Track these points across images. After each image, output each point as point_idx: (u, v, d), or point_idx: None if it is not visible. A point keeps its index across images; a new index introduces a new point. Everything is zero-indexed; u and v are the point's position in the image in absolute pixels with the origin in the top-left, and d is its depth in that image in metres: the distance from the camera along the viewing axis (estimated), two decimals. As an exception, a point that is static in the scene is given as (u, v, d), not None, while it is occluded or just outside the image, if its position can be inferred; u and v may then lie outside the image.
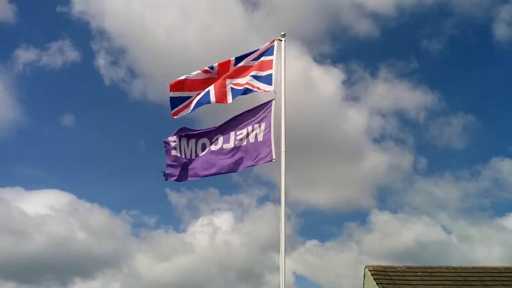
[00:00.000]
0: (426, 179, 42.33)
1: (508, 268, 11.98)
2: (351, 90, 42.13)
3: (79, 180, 48.36)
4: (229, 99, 8.05)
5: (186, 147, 8.08)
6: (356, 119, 40.41)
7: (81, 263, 39.34)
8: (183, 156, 8.07)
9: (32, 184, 50.75)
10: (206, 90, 8.14)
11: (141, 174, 49.23)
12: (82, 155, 48.22)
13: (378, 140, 41.86)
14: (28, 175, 46.80)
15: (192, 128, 8.40)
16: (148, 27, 40.63)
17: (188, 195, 43.48)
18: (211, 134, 8.14)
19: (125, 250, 42.69)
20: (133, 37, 42.34)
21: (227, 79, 8.09)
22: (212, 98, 8.04)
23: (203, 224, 40.94)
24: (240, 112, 8.15)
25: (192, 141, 8.07)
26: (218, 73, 8.28)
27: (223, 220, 41.64)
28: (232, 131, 7.92)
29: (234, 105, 8.32)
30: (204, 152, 8.04)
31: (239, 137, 7.76)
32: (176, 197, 44.38)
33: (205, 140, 8.17)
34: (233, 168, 7.78)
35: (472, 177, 41.25)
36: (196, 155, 8.03)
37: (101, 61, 43.58)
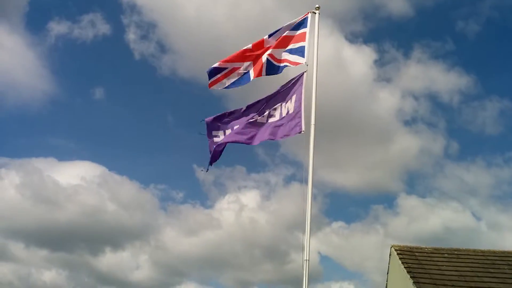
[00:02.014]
0: (457, 164, 41.43)
1: (538, 253, 11.75)
2: (383, 71, 41.21)
3: (110, 153, 49.45)
4: (263, 73, 8.11)
5: (227, 131, 8.22)
6: (387, 101, 39.60)
7: (111, 233, 40.53)
8: (222, 138, 8.22)
9: (64, 155, 52.24)
10: (245, 71, 8.21)
11: (169, 149, 49.88)
12: (112, 129, 49.15)
13: (410, 122, 41.00)
14: (60, 146, 48.07)
15: (228, 112, 8.47)
16: (179, 2, 40.59)
17: (215, 172, 43.94)
18: (247, 112, 8.23)
19: (153, 223, 43.67)
20: (163, 11, 42.43)
21: (263, 55, 8.13)
22: (251, 76, 8.14)
23: (229, 201, 41.43)
24: (273, 90, 8.22)
25: (237, 127, 8.17)
26: (253, 46, 8.31)
27: (250, 197, 42.03)
28: (267, 106, 7.99)
29: (267, 78, 8.38)
30: (238, 125, 8.13)
31: (272, 112, 7.82)
32: (203, 174, 44.79)
33: (242, 119, 8.25)
34: (262, 137, 7.85)
35: (505, 163, 40.12)
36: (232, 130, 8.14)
37: (131, 35, 43.89)
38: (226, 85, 8.23)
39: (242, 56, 8.18)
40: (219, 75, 8.25)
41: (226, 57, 8.20)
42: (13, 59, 45.03)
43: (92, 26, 44.90)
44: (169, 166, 51.20)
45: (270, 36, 8.18)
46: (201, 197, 51.87)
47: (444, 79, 42.67)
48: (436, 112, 44.14)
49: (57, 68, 48.53)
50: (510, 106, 42.15)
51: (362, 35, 45.05)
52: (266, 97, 7.97)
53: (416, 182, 44.22)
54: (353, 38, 44.22)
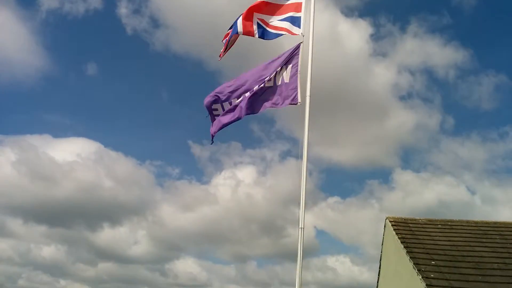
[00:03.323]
0: (452, 139, 41.67)
1: (529, 224, 11.99)
2: (379, 45, 40.91)
3: (105, 129, 49.45)
4: (256, 34, 8.11)
5: (227, 105, 8.25)
6: (383, 76, 39.49)
7: (109, 209, 40.87)
8: (223, 112, 8.26)
9: (59, 131, 52.20)
10: (235, 21, 8.19)
11: (164, 125, 49.89)
12: (107, 105, 49.02)
13: (405, 98, 40.96)
14: (55, 123, 47.98)
15: (226, 83, 8.51)
16: None
17: (211, 148, 44.22)
18: (246, 84, 8.23)
19: (150, 199, 44.07)
20: None
21: (254, 12, 8.09)
22: (240, 28, 8.14)
23: (226, 177, 41.71)
24: (269, 60, 8.22)
25: (234, 99, 8.20)
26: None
27: (246, 173, 42.34)
28: (264, 76, 7.99)
29: (262, 47, 8.38)
30: (239, 100, 8.16)
31: (267, 79, 7.84)
32: (199, 150, 45.07)
33: (241, 91, 8.26)
34: (257, 108, 7.90)
35: (500, 138, 40.36)
36: (233, 104, 8.17)
37: (123, 10, 43.22)
38: (224, 49, 8.32)
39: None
40: (224, 45, 8.37)
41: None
42: (5, 34, 44.60)
43: (83, 1, 44.32)
44: (165, 142, 51.36)
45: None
46: (197, 173, 52.21)
47: (441, 54, 42.54)
48: (432, 87, 44.15)
49: (49, 44, 48.10)
50: (506, 81, 42.20)
51: (358, 9, 44.79)
52: (262, 66, 7.96)
53: (411, 157, 44.56)
54: (348, 12, 43.86)
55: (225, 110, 8.11)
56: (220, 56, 8.41)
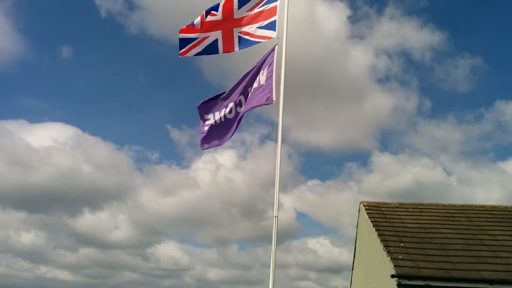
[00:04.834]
0: (429, 122, 42.55)
1: (494, 206, 12.78)
2: (356, 28, 41.17)
3: (82, 113, 48.92)
4: (236, 48, 8.51)
5: (220, 115, 8.62)
6: (360, 59, 39.86)
7: (88, 195, 40.80)
8: (217, 122, 8.64)
9: (35, 116, 51.45)
10: (214, 39, 8.54)
11: (142, 110, 49.60)
12: (83, 89, 48.43)
13: (383, 80, 41.54)
14: (31, 107, 47.30)
15: (216, 95, 8.85)
16: None
17: (190, 132, 44.31)
18: (234, 96, 8.61)
19: (130, 183, 44.12)
20: None
21: (234, 29, 8.46)
22: (220, 48, 8.51)
23: (206, 161, 41.97)
24: (250, 68, 8.59)
25: (224, 109, 8.57)
26: (222, 15, 8.55)
27: (226, 157, 42.67)
28: (248, 86, 8.39)
29: (241, 54, 8.74)
30: (232, 114, 8.54)
31: (249, 88, 8.24)
32: (178, 134, 45.12)
33: (231, 104, 8.63)
34: (240, 114, 8.33)
35: (475, 120, 41.40)
36: (225, 118, 8.56)
37: None
38: (196, 52, 8.65)
39: (212, 26, 8.53)
40: (190, 45, 8.64)
41: (196, 25, 8.47)
42: (-24, 17, 43.44)
43: None
44: (143, 126, 51.15)
45: (239, 0, 8.49)
46: (177, 157, 52.32)
47: (417, 36, 43.07)
48: (408, 70, 44.80)
49: (22, 27, 47.16)
50: (481, 63, 43.05)
51: (334, -9, 44.67)
52: (245, 75, 8.38)
53: (389, 139, 45.41)
54: (325, -6, 43.90)
55: (217, 123, 8.48)
56: (181, 54, 8.70)
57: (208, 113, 8.91)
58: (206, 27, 8.59)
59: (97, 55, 49.35)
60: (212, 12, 8.55)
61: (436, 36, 43.52)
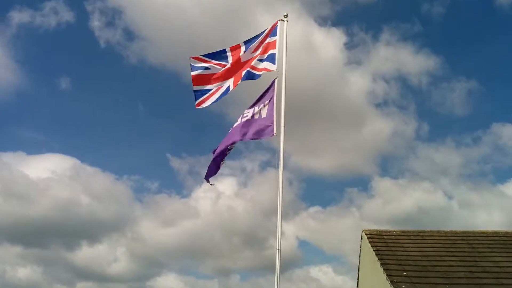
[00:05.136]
0: (428, 145, 42.71)
1: (495, 232, 12.78)
2: (353, 54, 41.76)
3: (81, 144, 48.79)
4: (241, 79, 8.75)
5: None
6: (358, 84, 40.26)
7: (87, 227, 40.11)
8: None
9: (33, 148, 51.30)
10: (227, 86, 8.77)
11: (142, 139, 49.64)
12: (82, 119, 48.42)
13: (381, 105, 41.88)
14: (29, 139, 47.14)
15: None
16: None
17: (190, 160, 44.15)
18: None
19: (129, 214, 43.50)
20: None
21: (242, 71, 8.72)
22: (231, 87, 8.72)
23: (206, 190, 41.62)
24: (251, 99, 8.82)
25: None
26: (232, 62, 8.80)
27: (226, 185, 42.31)
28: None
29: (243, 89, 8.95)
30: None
31: (245, 114, 8.42)
32: (178, 163, 44.99)
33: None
34: (238, 138, 8.45)
35: (473, 143, 41.57)
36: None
37: (96, 23, 42.85)
38: (211, 103, 8.84)
39: (224, 75, 8.76)
40: (205, 96, 8.83)
41: (209, 74, 8.69)
42: (-24, 49, 43.73)
43: (55, 14, 43.97)
44: (142, 156, 50.96)
45: (246, 43, 8.75)
46: (177, 186, 51.91)
47: (413, 61, 43.63)
48: (406, 95, 45.24)
49: (20, 58, 47.42)
50: (477, 86, 43.55)
51: (331, 18, 45.50)
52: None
53: (388, 164, 45.41)
54: (322, 21, 44.62)
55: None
56: (197, 105, 8.87)
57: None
58: (220, 77, 8.81)
59: (96, 85, 49.72)
60: (224, 63, 8.78)
61: (432, 60, 44.18)
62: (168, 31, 39.31)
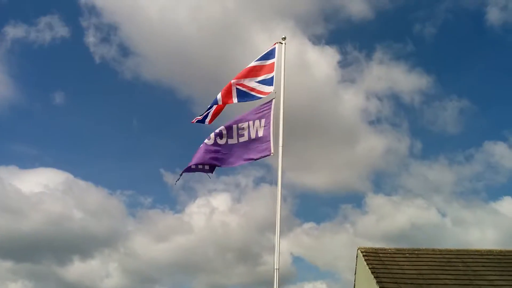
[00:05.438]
0: (421, 163, 43.04)
1: (489, 250, 12.90)
2: (346, 72, 42.30)
3: (74, 159, 48.59)
4: (235, 100, 8.85)
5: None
6: (351, 102, 40.68)
7: (79, 242, 39.69)
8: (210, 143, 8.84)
9: (26, 162, 51.04)
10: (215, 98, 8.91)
11: (135, 154, 49.60)
12: (76, 134, 48.39)
13: (374, 123, 42.28)
14: (22, 153, 46.93)
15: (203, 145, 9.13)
16: (141, 4, 40.32)
17: (184, 176, 43.84)
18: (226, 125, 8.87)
19: (122, 229, 43.13)
20: (124, 13, 41.95)
21: (232, 81, 8.84)
22: (219, 100, 8.85)
23: (200, 205, 41.55)
24: (242, 114, 8.93)
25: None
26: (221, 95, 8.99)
27: (220, 200, 42.20)
28: (235, 124, 8.68)
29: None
30: (212, 144, 8.73)
31: (241, 132, 8.54)
32: (172, 178, 44.72)
33: (222, 129, 8.84)
34: (234, 162, 8.59)
35: (466, 161, 41.94)
36: (216, 142, 8.73)
37: (91, 38, 43.10)
38: (202, 117, 9.01)
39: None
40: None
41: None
42: (-31, 64, 43.75)
43: (50, 29, 44.22)
44: (136, 171, 50.87)
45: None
46: (170, 201, 51.77)
47: (406, 80, 44.26)
48: (399, 113, 45.74)
49: (15, 73, 47.42)
50: (468, 105, 44.16)
51: (324, 37, 46.06)
52: (235, 120, 8.70)
53: (382, 181, 45.63)
54: (315, 40, 45.16)
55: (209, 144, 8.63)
56: (193, 121, 9.07)
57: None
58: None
59: (90, 101, 49.78)
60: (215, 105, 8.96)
61: (424, 79, 44.83)
62: (163, 47, 39.68)
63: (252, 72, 8.83)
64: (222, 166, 8.64)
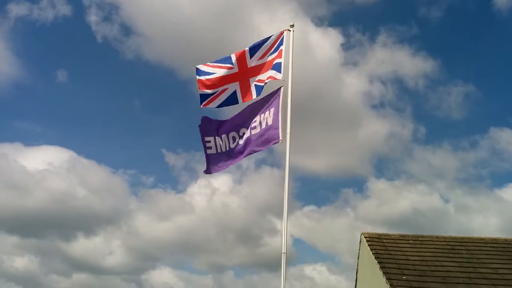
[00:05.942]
0: (424, 148, 42.78)
1: (494, 239, 12.97)
2: (349, 55, 41.73)
3: (77, 137, 49.01)
4: (254, 95, 8.93)
5: (220, 142, 9.02)
6: (354, 85, 40.23)
7: (82, 219, 40.29)
8: (218, 151, 9.00)
9: (31, 140, 51.53)
10: (233, 90, 8.95)
11: (138, 134, 49.80)
12: (79, 112, 48.61)
13: (377, 107, 41.91)
14: (26, 131, 47.35)
15: (214, 119, 9.25)
16: None
17: (185, 156, 44.25)
18: (237, 127, 9.05)
19: (125, 208, 43.72)
20: None
21: (250, 78, 8.89)
22: (240, 99, 8.95)
23: (201, 186, 41.84)
24: (252, 102, 9.00)
25: (225, 136, 8.97)
26: (238, 66, 8.97)
27: (222, 182, 42.46)
28: (250, 119, 8.80)
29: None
30: (234, 144, 8.92)
31: (253, 125, 8.64)
32: (173, 158, 45.08)
33: (234, 134, 9.10)
34: (247, 153, 8.71)
35: (470, 147, 41.64)
36: (229, 147, 8.95)
37: (93, 17, 42.92)
38: (217, 105, 9.04)
39: (229, 78, 8.94)
40: (210, 98, 9.04)
41: (213, 78, 8.89)
42: (-27, 41, 43.75)
43: (52, 7, 44.06)
44: (138, 150, 51.20)
45: (251, 50, 8.91)
46: (172, 181, 52.10)
47: (410, 64, 43.60)
48: (402, 97, 45.27)
49: (18, 51, 47.54)
50: (474, 90, 43.58)
51: (327, 19, 45.39)
52: (246, 110, 8.77)
53: (384, 165, 45.47)
54: (318, 21, 44.51)
55: (218, 152, 8.87)
56: (203, 106, 9.12)
57: (209, 135, 9.22)
58: (224, 80, 8.99)
59: (92, 80, 49.89)
60: (229, 65, 8.93)
61: (429, 63, 44.25)
62: (164, 28, 39.42)
63: (266, 67, 8.85)
64: (239, 160, 8.78)
